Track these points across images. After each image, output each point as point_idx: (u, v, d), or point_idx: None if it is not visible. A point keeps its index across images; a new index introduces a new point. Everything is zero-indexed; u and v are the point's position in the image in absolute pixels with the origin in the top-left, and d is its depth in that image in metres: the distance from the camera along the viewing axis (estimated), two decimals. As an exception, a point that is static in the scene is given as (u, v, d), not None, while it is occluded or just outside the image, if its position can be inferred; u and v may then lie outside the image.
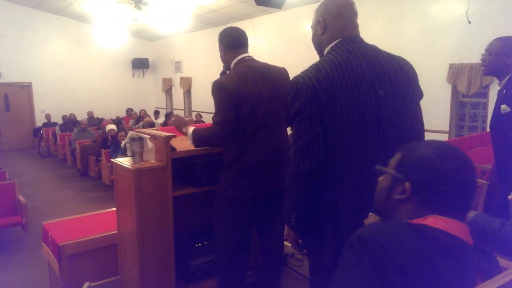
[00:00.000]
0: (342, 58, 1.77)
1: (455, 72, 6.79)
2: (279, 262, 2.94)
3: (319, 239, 1.86)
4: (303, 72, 1.78)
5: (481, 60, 2.85)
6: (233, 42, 2.70)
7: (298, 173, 1.77)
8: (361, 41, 1.87)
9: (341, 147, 1.75)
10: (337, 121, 1.73)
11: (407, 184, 1.24)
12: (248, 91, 2.55)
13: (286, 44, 10.29)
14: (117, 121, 12.02)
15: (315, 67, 1.77)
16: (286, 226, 2.00)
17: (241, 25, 11.16)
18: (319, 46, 1.96)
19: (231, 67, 2.69)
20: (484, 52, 2.81)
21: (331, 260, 1.76)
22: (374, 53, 1.83)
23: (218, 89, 2.58)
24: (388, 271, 1.06)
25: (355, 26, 1.89)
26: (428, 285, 1.06)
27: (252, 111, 2.57)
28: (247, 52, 2.71)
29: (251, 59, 2.69)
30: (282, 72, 2.78)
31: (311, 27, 2.00)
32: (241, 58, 2.67)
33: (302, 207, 1.83)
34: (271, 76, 2.67)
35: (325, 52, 1.89)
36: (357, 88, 1.73)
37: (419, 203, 1.23)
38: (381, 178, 1.35)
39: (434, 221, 1.19)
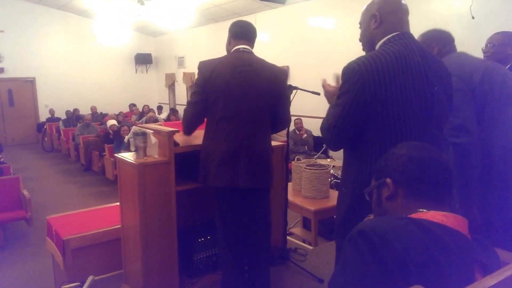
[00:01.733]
0: (400, 50, 1.80)
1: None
2: (264, 262, 2.86)
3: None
4: (359, 58, 1.81)
5: (483, 52, 2.92)
6: (238, 31, 2.70)
7: (327, 137, 1.88)
8: (413, 37, 1.91)
9: (386, 141, 1.78)
10: (390, 110, 1.75)
11: (388, 180, 1.30)
12: (221, 79, 2.55)
13: (289, 40, 10.28)
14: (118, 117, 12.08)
15: (372, 55, 1.80)
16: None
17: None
18: (371, 40, 1.96)
19: None
20: (485, 45, 2.91)
21: None
22: (425, 50, 1.89)
23: (198, 68, 2.65)
24: (389, 265, 1.07)
25: (407, 23, 1.93)
26: (429, 281, 1.07)
27: (220, 101, 2.56)
28: (249, 46, 2.70)
29: (246, 51, 2.66)
30: (277, 73, 2.72)
31: (360, 23, 2.02)
32: (237, 48, 2.66)
33: None
34: (260, 73, 2.63)
35: (377, 46, 1.91)
36: (413, 81, 1.77)
37: (407, 193, 1.28)
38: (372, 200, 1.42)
39: (433, 215, 1.21)
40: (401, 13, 1.91)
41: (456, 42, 2.62)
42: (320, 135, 8.47)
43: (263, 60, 2.69)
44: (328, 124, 1.85)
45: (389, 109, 1.75)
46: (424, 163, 1.27)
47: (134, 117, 13.18)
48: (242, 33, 2.70)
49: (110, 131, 9.47)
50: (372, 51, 1.87)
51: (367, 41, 2.00)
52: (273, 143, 3.29)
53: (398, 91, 1.75)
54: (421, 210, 1.24)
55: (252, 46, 2.71)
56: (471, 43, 6.71)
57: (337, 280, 1.18)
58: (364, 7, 2.00)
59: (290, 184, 4.49)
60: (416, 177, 1.27)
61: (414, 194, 1.27)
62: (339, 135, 1.83)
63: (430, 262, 1.09)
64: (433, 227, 1.17)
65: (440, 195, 1.27)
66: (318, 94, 3.67)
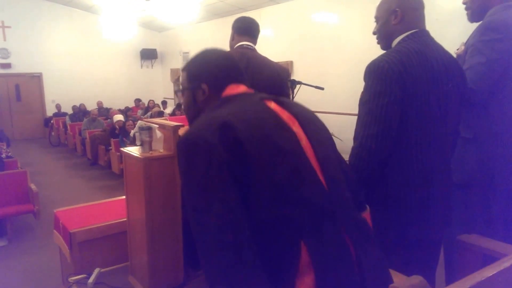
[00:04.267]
0: (421, 47, 1.82)
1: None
2: None
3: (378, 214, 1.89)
4: (385, 56, 1.81)
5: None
6: (242, 27, 2.71)
7: (373, 157, 1.79)
8: (430, 35, 1.93)
9: (403, 140, 1.80)
10: (415, 108, 1.77)
11: (204, 86, 1.49)
12: None
13: (293, 35, 10.26)
14: (125, 111, 12.10)
15: (397, 52, 1.80)
16: None
17: (249, 15, 11.15)
18: (389, 35, 1.97)
19: None
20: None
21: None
22: (441, 48, 1.92)
23: None
24: (205, 151, 1.22)
25: (424, 20, 1.95)
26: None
27: None
28: (252, 42, 2.72)
29: (249, 48, 2.67)
30: (279, 71, 2.71)
31: (377, 17, 2.02)
32: (240, 45, 2.68)
33: (366, 187, 1.86)
34: (262, 71, 2.62)
35: (395, 42, 1.92)
36: (433, 78, 1.80)
37: (216, 91, 1.48)
38: (182, 96, 1.61)
39: (230, 91, 1.47)
40: (421, 10, 1.94)
41: (459, 36, 2.58)
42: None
43: (265, 58, 2.71)
44: (371, 132, 1.77)
45: (414, 108, 1.77)
46: (228, 66, 1.51)
47: (139, 112, 13.22)
48: (246, 29, 2.71)
49: (117, 127, 9.48)
50: (394, 48, 1.88)
51: (385, 36, 2.00)
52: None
53: (421, 88, 1.77)
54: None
55: (255, 43, 2.73)
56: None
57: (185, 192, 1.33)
58: (381, 0, 1.99)
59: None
60: (224, 77, 1.48)
61: (220, 90, 1.47)
62: (386, 140, 1.77)
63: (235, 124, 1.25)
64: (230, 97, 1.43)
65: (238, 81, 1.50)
66: (322, 88, 3.69)
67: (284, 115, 1.37)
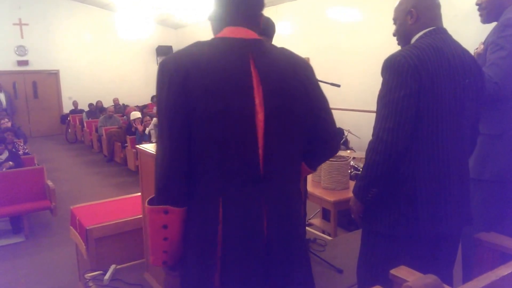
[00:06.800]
0: (438, 44, 1.83)
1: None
2: None
3: (391, 210, 1.88)
4: (402, 51, 1.82)
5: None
6: None
7: (390, 150, 1.77)
8: (447, 32, 1.93)
9: (419, 135, 1.79)
10: (431, 103, 1.77)
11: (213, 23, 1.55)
12: None
13: (309, 31, 10.22)
14: (141, 108, 12.15)
15: (414, 48, 1.81)
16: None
17: (265, 12, 11.08)
18: (407, 35, 1.98)
19: None
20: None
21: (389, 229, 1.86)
22: (459, 45, 1.92)
23: None
24: (175, 78, 1.32)
25: (441, 17, 1.95)
26: (202, 75, 1.31)
27: None
28: (267, 40, 2.72)
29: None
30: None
31: (395, 19, 2.03)
32: None
33: (384, 182, 1.85)
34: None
35: (413, 40, 1.93)
36: (450, 73, 1.80)
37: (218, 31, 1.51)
38: None
39: (223, 33, 1.50)
40: (437, 8, 1.93)
41: (477, 33, 2.54)
42: (340, 126, 8.46)
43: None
44: (388, 126, 1.76)
45: (429, 103, 1.77)
46: (228, 9, 1.56)
47: (155, 109, 13.28)
48: (263, 29, 2.72)
49: (137, 126, 9.31)
50: (411, 44, 1.89)
51: (403, 36, 2.01)
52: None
53: (437, 83, 1.77)
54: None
55: (270, 41, 2.74)
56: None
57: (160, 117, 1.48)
58: (397, 2, 2.01)
59: (309, 175, 4.50)
60: (220, 20, 1.57)
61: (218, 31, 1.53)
62: (402, 132, 1.75)
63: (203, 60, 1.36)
64: (212, 41, 1.48)
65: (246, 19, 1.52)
66: (338, 86, 3.66)
67: (256, 79, 1.36)
